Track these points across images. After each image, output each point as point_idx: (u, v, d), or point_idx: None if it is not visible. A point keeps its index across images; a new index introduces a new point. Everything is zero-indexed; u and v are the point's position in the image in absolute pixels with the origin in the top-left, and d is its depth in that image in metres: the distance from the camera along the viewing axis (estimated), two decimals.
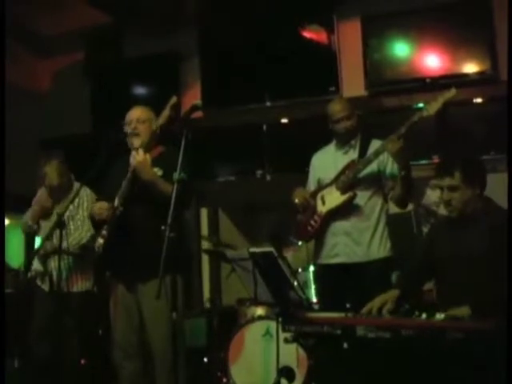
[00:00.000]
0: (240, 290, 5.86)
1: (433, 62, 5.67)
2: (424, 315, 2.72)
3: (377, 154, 3.96)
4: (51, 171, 4.92)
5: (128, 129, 3.97)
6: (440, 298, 3.06)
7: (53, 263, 4.83)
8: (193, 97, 6.23)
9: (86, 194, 4.86)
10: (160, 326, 3.68)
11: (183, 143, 3.52)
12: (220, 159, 6.46)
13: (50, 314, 4.74)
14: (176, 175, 3.30)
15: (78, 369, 5.17)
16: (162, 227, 3.26)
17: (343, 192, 4.07)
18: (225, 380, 4.72)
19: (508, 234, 2.78)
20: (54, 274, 4.79)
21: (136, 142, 3.91)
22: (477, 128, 5.56)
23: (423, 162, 5.57)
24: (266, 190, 6.29)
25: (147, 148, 3.84)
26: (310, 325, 2.96)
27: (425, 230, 5.53)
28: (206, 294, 6.33)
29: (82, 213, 4.87)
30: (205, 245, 6.03)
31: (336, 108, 4.20)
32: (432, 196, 5.56)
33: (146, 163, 3.76)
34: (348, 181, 4.06)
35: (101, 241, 3.78)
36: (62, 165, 5.01)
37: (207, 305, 6.13)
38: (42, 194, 5.05)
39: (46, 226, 4.97)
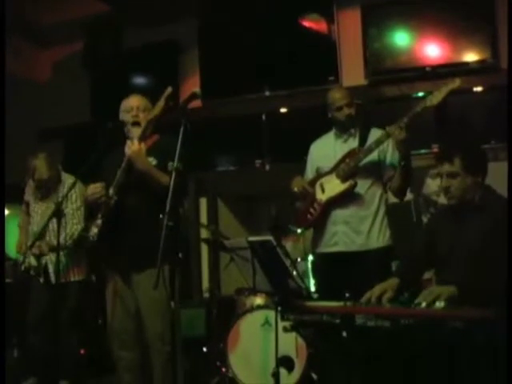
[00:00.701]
0: (239, 279, 5.84)
1: (433, 50, 5.63)
2: (424, 304, 2.71)
3: (378, 142, 3.95)
4: (40, 165, 4.89)
5: (127, 116, 3.93)
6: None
7: (47, 257, 4.82)
8: (192, 86, 6.11)
9: (79, 187, 4.81)
10: (156, 315, 3.67)
11: (181, 132, 3.50)
12: (219, 149, 6.44)
13: (47, 304, 4.75)
14: (172, 164, 3.24)
15: (78, 359, 5.18)
16: (161, 216, 3.26)
17: (343, 180, 4.06)
18: (224, 370, 4.71)
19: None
20: (50, 267, 4.79)
21: (136, 131, 3.88)
22: (477, 117, 5.54)
23: (423, 151, 5.54)
24: (265, 180, 6.27)
25: (143, 137, 3.81)
26: (309, 314, 2.95)
27: (424, 219, 5.53)
28: (205, 283, 6.32)
29: (71, 206, 4.86)
30: (204, 234, 6.02)
31: (336, 95, 4.19)
32: (432, 185, 5.55)
33: (140, 153, 3.73)
34: (348, 169, 4.05)
35: (95, 230, 3.77)
36: (50, 157, 4.99)
37: (206, 295, 6.13)
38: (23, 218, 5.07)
39: (35, 221, 4.97)
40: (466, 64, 5.52)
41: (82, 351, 5.35)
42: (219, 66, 6.29)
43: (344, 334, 2.72)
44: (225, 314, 5.18)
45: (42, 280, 4.83)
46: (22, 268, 4.90)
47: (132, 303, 3.84)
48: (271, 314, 4.62)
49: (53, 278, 4.77)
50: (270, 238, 3.10)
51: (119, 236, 3.74)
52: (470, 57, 5.53)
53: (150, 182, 3.72)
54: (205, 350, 4.77)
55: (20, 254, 5.04)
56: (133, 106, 3.95)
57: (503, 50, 5.33)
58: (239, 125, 6.26)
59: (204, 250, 6.35)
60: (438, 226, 3.26)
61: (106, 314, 4.10)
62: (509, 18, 3.48)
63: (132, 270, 3.78)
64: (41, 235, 4.62)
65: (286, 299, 3.10)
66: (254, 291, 5.06)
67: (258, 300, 4.88)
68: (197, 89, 3.58)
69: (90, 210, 4.03)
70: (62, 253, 4.50)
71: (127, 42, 6.58)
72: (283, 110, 6.21)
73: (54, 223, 4.34)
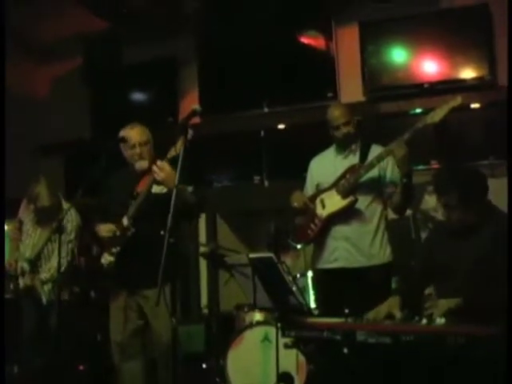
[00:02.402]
0: (238, 295, 5.83)
1: (431, 67, 5.66)
2: (424, 320, 2.71)
3: (379, 159, 3.96)
4: (43, 192, 4.89)
5: (130, 153, 4.09)
6: None
7: (41, 273, 4.84)
8: (191, 103, 6.21)
9: (72, 217, 4.86)
10: (166, 329, 3.74)
11: (182, 149, 3.54)
12: (218, 165, 6.45)
13: (40, 319, 4.76)
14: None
15: (76, 375, 5.17)
16: (162, 232, 3.31)
17: (344, 196, 4.07)
18: None
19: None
20: (41, 292, 4.81)
21: (142, 164, 4.07)
22: (475, 133, 5.56)
23: (421, 167, 5.55)
24: (264, 196, 6.27)
25: (172, 161, 3.86)
26: (310, 330, 2.96)
27: (423, 235, 5.53)
28: (204, 300, 6.31)
29: (65, 238, 4.79)
30: (203, 250, 6.01)
31: (335, 114, 4.20)
32: (430, 201, 5.55)
33: (172, 175, 3.74)
34: (349, 185, 4.06)
35: (110, 258, 4.01)
36: (52, 183, 5.02)
37: (205, 311, 6.12)
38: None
39: (27, 244, 4.98)
40: (464, 81, 5.55)
41: (81, 367, 5.33)
42: (218, 82, 6.32)
43: (345, 350, 2.72)
44: (224, 330, 5.17)
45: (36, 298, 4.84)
46: (12, 287, 4.90)
47: (136, 318, 4.01)
48: (271, 330, 4.62)
49: (44, 300, 4.81)
50: (270, 254, 3.11)
51: (136, 260, 3.89)
52: (468, 73, 5.56)
53: (179, 201, 3.68)
54: (204, 366, 4.76)
55: (10, 271, 5.01)
56: (134, 142, 4.09)
57: (501, 67, 5.38)
58: (238, 141, 6.27)
59: (203, 266, 6.34)
60: (438, 241, 3.26)
61: (106, 329, 4.21)
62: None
63: (144, 286, 3.89)
64: (33, 263, 4.71)
65: (287, 315, 3.10)
66: (253, 307, 5.06)
67: (258, 316, 4.87)
68: (197, 106, 3.62)
69: (98, 239, 4.17)
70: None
71: (126, 58, 6.60)
72: (282, 126, 6.22)
73: (48, 249, 4.62)
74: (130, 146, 4.09)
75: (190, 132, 3.38)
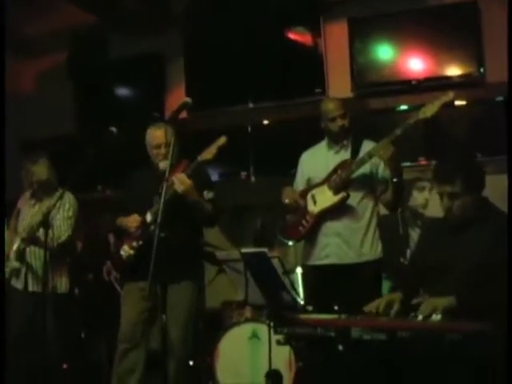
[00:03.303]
0: (224, 292, 5.80)
1: (419, 64, 5.64)
2: (420, 316, 2.68)
3: (371, 155, 3.93)
4: (39, 168, 4.88)
5: (155, 151, 4.21)
6: None
7: (31, 260, 4.76)
8: (177, 98, 6.15)
9: (69, 197, 4.85)
10: (181, 322, 4.04)
11: (172, 142, 3.51)
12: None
13: (28, 316, 4.68)
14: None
15: (60, 373, 5.09)
16: (152, 227, 3.34)
17: (336, 192, 4.03)
18: (211, 383, 4.65)
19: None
20: (30, 274, 4.74)
21: (166, 164, 4.03)
22: (463, 131, 5.54)
23: (409, 164, 5.53)
24: (251, 192, 6.23)
25: (190, 173, 4.02)
26: (303, 327, 2.92)
27: (411, 231, 5.52)
28: None
29: (63, 213, 4.83)
30: None
31: (331, 106, 4.17)
32: (418, 198, 5.54)
33: (191, 189, 3.96)
34: (341, 181, 4.02)
35: (131, 251, 4.14)
36: (50, 162, 4.96)
37: None
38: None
39: (23, 223, 4.90)
40: (452, 78, 5.54)
41: (65, 365, 5.25)
42: (205, 77, 6.26)
43: (340, 347, 2.68)
44: (210, 327, 5.12)
45: (20, 286, 4.75)
46: (6, 273, 4.82)
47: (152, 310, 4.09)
48: (259, 327, 4.60)
49: (31, 286, 4.72)
50: (264, 249, 3.06)
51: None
52: (456, 71, 5.55)
53: (198, 211, 4.06)
54: (191, 363, 4.71)
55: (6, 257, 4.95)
56: (160, 143, 4.18)
57: (489, 65, 5.37)
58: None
59: None
60: (435, 237, 3.23)
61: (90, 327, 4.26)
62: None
63: (168, 281, 4.01)
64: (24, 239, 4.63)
65: (279, 312, 3.05)
66: (241, 304, 5.03)
67: (246, 313, 4.83)
68: (188, 98, 3.59)
69: (120, 229, 4.31)
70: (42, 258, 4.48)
71: (113, 53, 6.53)
72: (268, 121, 6.17)
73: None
74: (154, 146, 4.20)
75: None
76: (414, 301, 3.13)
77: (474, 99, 5.49)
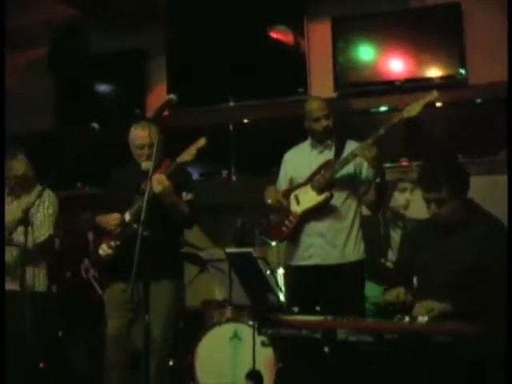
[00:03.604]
0: (204, 291, 5.76)
1: (402, 65, 5.65)
2: (407, 318, 2.66)
3: (355, 154, 3.91)
4: (18, 163, 4.78)
5: (138, 151, 4.15)
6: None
7: (7, 258, 4.69)
8: (159, 96, 6.12)
9: (48, 194, 4.76)
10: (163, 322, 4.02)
11: (157, 139, 3.47)
12: None
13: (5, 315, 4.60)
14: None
15: (37, 373, 5.01)
16: (135, 225, 3.30)
17: (319, 192, 4.01)
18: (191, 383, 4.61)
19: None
20: (6, 272, 4.66)
21: (148, 165, 4.00)
22: (444, 132, 5.56)
23: (390, 164, 5.53)
24: (232, 191, 6.19)
25: (169, 174, 3.98)
26: (288, 328, 2.89)
27: (392, 232, 5.53)
28: None
29: (43, 211, 4.75)
30: None
31: (315, 106, 4.15)
32: (400, 199, 5.55)
33: (170, 190, 3.93)
34: (324, 181, 4.00)
35: (108, 251, 4.09)
36: (27, 158, 4.89)
37: None
38: None
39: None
40: (435, 79, 5.54)
41: (42, 365, 5.17)
42: (187, 75, 6.21)
43: (326, 349, 2.66)
44: (191, 326, 5.07)
45: None
46: None
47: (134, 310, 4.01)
48: (240, 327, 4.56)
49: (8, 285, 4.64)
50: (249, 249, 3.03)
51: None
52: (438, 72, 5.56)
53: (174, 213, 4.00)
54: (171, 363, 4.67)
55: None
56: (144, 143, 4.12)
57: (473, 66, 5.39)
58: (206, 135, 6.13)
59: None
60: (422, 239, 3.23)
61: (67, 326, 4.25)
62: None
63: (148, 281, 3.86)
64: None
65: (264, 312, 3.02)
66: (222, 303, 4.99)
67: (227, 313, 4.80)
68: (173, 95, 3.55)
69: (99, 227, 4.24)
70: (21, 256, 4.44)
71: (95, 48, 6.46)
72: (250, 120, 6.15)
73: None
74: (138, 146, 4.15)
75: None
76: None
77: (456, 101, 5.50)
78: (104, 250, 4.12)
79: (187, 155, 4.00)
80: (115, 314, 4.09)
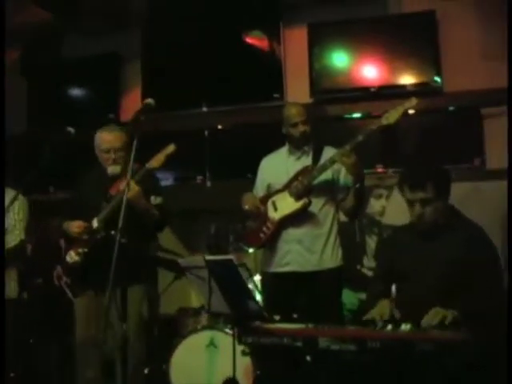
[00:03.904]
0: (179, 298, 5.70)
1: (378, 72, 5.65)
2: (390, 326, 2.64)
3: (333, 160, 3.90)
4: None
5: (104, 155, 4.12)
6: (403, 308, 2.97)
7: None
8: (133, 100, 6.06)
9: (18, 198, 4.65)
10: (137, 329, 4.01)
11: (134, 145, 3.43)
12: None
13: None
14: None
15: (7, 382, 4.90)
16: (112, 232, 3.26)
17: (297, 198, 3.98)
18: None
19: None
20: None
21: (114, 170, 4.12)
22: (419, 139, 5.57)
23: (366, 171, 5.51)
24: (206, 197, 6.15)
25: (139, 180, 3.96)
26: (269, 336, 2.85)
27: (368, 239, 5.53)
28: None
29: (13, 216, 4.68)
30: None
31: (292, 111, 4.13)
32: (376, 205, 5.55)
33: (140, 195, 3.92)
34: (302, 187, 3.98)
35: (76, 257, 4.07)
36: None
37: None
38: None
39: None
40: (410, 86, 5.54)
41: (12, 374, 5.06)
42: (162, 79, 6.15)
43: (308, 358, 2.62)
44: (166, 333, 5.00)
45: None
46: None
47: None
48: (217, 334, 4.52)
49: None
50: (231, 256, 2.99)
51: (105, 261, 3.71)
52: (410, 79, 5.57)
53: (145, 218, 3.98)
54: (146, 371, 4.60)
55: None
56: (110, 147, 4.11)
57: (447, 74, 5.42)
58: (181, 140, 6.05)
59: None
60: (400, 244, 3.22)
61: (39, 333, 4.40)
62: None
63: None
64: None
65: (244, 321, 2.98)
66: (197, 311, 4.93)
67: (203, 320, 4.75)
68: (150, 99, 3.52)
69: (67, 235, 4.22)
70: None
71: (69, 51, 6.38)
72: (224, 126, 6.11)
73: None
74: (103, 150, 4.13)
75: None
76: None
77: (430, 108, 5.51)
78: (72, 256, 4.10)
79: (156, 161, 4.00)
80: (85, 322, 4.08)
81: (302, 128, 4.08)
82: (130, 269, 3.74)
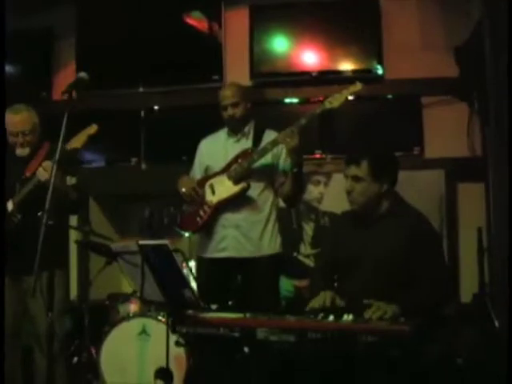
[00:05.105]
0: (110, 283, 5.51)
1: (317, 57, 5.59)
2: (331, 317, 2.56)
3: (273, 144, 3.80)
4: None
5: (12, 138, 3.96)
6: (345, 297, 2.89)
7: None
8: (67, 77, 5.78)
9: None
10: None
11: (64, 122, 3.24)
12: (92, 145, 6.01)
13: None
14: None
15: None
16: (39, 213, 3.09)
17: (236, 182, 3.86)
18: (95, 382, 4.38)
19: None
20: None
21: (22, 152, 3.97)
22: (360, 126, 5.54)
23: (305, 156, 5.46)
24: (141, 180, 5.97)
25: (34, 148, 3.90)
26: (205, 326, 2.73)
27: (305, 226, 5.46)
28: (73, 289, 5.89)
29: None
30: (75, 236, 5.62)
31: (225, 93, 4.02)
32: (314, 192, 5.48)
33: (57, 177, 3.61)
34: (241, 170, 3.86)
35: None
36: None
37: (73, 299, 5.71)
38: None
39: None
40: (345, 72, 5.51)
41: None
42: (97, 57, 5.91)
43: (246, 349, 2.51)
44: (95, 321, 4.82)
45: None
46: None
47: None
48: (148, 322, 4.38)
49: None
50: (165, 241, 2.83)
51: (23, 247, 3.68)
52: (350, 65, 5.53)
53: (62, 198, 3.69)
54: (75, 360, 4.43)
55: None
56: (17, 131, 3.93)
57: (388, 62, 5.39)
58: (115, 120, 5.90)
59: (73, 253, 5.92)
60: (342, 232, 3.16)
61: None
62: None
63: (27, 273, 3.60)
64: None
65: (179, 309, 2.85)
66: (128, 297, 4.77)
67: (134, 307, 4.59)
68: (84, 73, 3.34)
69: None
70: None
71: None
72: (161, 107, 5.94)
73: None
74: (12, 133, 3.95)
75: None
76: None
77: (371, 95, 5.46)
78: None
79: (76, 142, 3.79)
80: (7, 310, 3.88)
81: (230, 111, 3.96)
82: (54, 253, 3.61)
